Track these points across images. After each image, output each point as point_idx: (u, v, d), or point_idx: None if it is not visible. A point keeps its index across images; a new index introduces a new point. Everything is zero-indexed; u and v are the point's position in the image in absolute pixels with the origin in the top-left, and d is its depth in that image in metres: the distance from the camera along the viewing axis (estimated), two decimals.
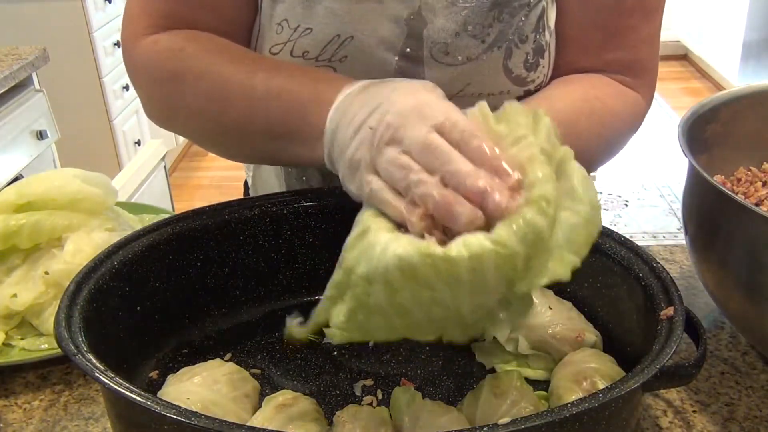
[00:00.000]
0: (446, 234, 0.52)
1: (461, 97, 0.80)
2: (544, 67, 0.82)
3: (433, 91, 0.62)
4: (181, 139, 3.75)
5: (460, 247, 0.50)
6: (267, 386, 0.70)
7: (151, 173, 2.16)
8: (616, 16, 0.81)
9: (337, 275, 0.55)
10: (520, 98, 0.82)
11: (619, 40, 0.82)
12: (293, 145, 0.72)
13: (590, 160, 0.81)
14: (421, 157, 0.55)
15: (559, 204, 0.53)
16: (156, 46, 0.78)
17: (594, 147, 0.80)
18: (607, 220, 1.07)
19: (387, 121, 0.58)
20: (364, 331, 0.55)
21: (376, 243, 0.52)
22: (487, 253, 0.49)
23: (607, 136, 0.82)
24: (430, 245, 0.50)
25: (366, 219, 0.55)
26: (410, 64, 0.79)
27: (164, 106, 0.80)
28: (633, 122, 0.85)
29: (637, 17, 0.81)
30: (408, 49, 0.78)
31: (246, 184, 1.09)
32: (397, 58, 0.79)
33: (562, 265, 0.52)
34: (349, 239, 0.55)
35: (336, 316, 0.55)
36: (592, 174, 1.05)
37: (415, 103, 0.58)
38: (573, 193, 0.54)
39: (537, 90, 0.83)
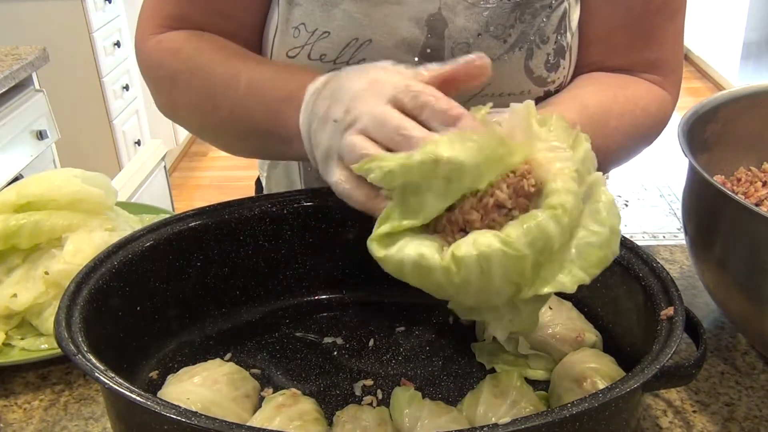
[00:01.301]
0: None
1: (482, 97, 0.81)
2: (564, 68, 0.82)
3: (384, 68, 0.63)
4: (181, 139, 3.74)
5: (469, 246, 0.51)
6: (267, 386, 0.70)
7: (151, 173, 2.16)
8: (643, 16, 0.81)
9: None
10: (540, 99, 0.82)
11: (646, 39, 0.82)
12: (276, 142, 0.73)
13: (618, 158, 0.81)
14: (376, 133, 0.57)
15: (576, 218, 0.53)
16: (159, 46, 0.81)
17: (622, 146, 0.80)
18: None
19: (344, 108, 0.60)
20: None
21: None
22: (495, 253, 0.50)
23: (636, 135, 0.82)
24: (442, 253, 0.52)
25: None
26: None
27: (166, 101, 0.84)
28: (662, 120, 0.85)
29: (663, 16, 0.81)
30: (429, 50, 0.79)
31: (258, 182, 1.09)
32: (417, 59, 0.79)
33: (569, 277, 0.53)
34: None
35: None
36: (605, 174, 1.05)
37: (367, 83, 0.60)
38: (596, 216, 0.54)
39: (558, 91, 0.83)
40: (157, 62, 0.81)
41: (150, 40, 0.82)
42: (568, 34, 0.81)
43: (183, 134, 3.76)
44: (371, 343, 0.76)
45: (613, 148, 0.79)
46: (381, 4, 0.77)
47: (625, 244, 0.69)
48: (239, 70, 0.76)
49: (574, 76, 0.85)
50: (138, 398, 0.53)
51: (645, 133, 0.83)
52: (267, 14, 0.84)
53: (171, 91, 0.82)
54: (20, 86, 2.02)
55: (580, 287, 0.73)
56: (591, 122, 0.76)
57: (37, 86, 2.10)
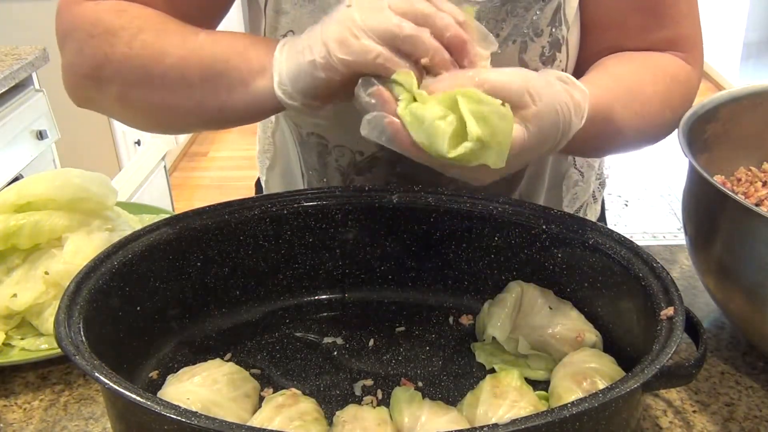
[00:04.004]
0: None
1: None
2: (561, 61, 0.82)
3: None
4: (182, 139, 3.74)
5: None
6: (267, 386, 0.70)
7: (151, 173, 2.16)
8: None
9: None
10: None
11: (661, 19, 0.81)
12: (227, 84, 0.70)
13: (661, 124, 0.80)
14: (413, 19, 0.62)
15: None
16: (96, 7, 0.76)
17: (659, 112, 0.79)
18: (608, 220, 1.08)
19: None
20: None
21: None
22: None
23: (671, 102, 0.80)
24: None
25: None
26: None
27: (93, 62, 0.76)
28: (691, 91, 0.83)
29: None
30: None
31: (258, 183, 1.08)
32: None
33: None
34: None
35: None
36: (605, 173, 1.05)
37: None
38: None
39: None
40: (93, 20, 0.76)
41: (83, 3, 0.77)
42: (564, 27, 0.80)
43: (183, 134, 3.75)
44: (371, 343, 0.76)
45: (654, 113, 0.77)
46: None
47: (625, 244, 0.69)
48: (196, 29, 0.74)
49: (589, 63, 0.84)
50: (138, 398, 0.53)
51: (679, 100, 0.81)
52: (219, 21, 0.83)
53: (104, 47, 0.74)
54: (20, 86, 2.02)
55: (580, 287, 0.73)
56: (628, 91, 0.76)
57: (37, 86, 2.10)
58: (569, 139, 0.67)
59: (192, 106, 0.74)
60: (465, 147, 0.58)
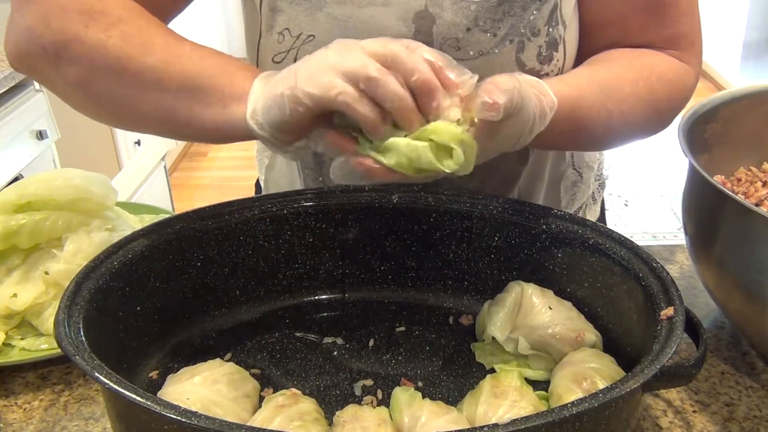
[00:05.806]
0: None
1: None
2: (558, 60, 0.82)
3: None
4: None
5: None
6: (267, 386, 0.70)
7: (151, 173, 2.17)
8: None
9: None
10: None
11: (661, 18, 0.81)
12: (204, 100, 0.69)
13: (637, 124, 0.80)
14: (383, 62, 0.62)
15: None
16: None
17: (639, 112, 0.79)
18: (608, 220, 1.09)
19: (341, 41, 0.64)
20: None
21: None
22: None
23: (655, 102, 0.80)
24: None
25: None
26: None
27: (59, 37, 0.70)
28: (682, 89, 0.83)
29: None
30: None
31: (257, 184, 1.09)
32: None
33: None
34: None
35: None
36: (605, 174, 1.05)
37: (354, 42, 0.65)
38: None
39: None
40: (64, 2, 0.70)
41: None
42: (561, 26, 0.80)
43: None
44: (371, 343, 0.76)
45: (628, 113, 0.78)
46: (366, 6, 0.76)
47: (625, 244, 0.69)
48: (183, 38, 0.73)
49: (586, 59, 0.84)
50: (138, 398, 0.53)
51: (665, 100, 0.81)
52: (179, 11, 0.82)
53: (77, 28, 0.70)
54: (20, 86, 2.02)
55: (580, 287, 0.73)
56: (601, 89, 0.76)
57: (37, 86, 2.10)
58: (530, 140, 0.69)
59: (159, 111, 0.71)
60: (450, 167, 0.62)
